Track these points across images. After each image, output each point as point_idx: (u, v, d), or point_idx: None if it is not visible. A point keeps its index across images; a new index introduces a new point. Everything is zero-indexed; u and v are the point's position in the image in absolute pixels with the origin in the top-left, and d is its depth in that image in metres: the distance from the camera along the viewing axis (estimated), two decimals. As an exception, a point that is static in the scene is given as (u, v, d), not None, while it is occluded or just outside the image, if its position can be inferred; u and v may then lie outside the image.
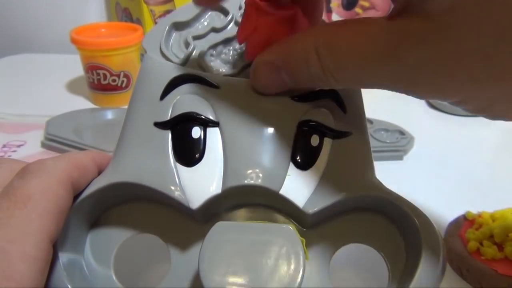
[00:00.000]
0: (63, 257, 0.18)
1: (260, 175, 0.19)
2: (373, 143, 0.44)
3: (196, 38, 0.24)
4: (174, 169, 0.20)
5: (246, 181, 0.19)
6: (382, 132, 0.47)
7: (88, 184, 0.20)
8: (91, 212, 0.20)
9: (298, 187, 0.20)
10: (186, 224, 0.21)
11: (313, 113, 0.21)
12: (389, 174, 0.41)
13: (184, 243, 0.21)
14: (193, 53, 0.23)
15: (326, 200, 0.19)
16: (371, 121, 0.48)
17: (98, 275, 0.20)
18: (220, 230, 0.18)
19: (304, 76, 0.20)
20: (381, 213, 0.21)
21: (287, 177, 0.20)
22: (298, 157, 0.20)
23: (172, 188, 0.19)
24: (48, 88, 0.60)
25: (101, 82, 0.53)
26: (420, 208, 0.20)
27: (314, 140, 0.21)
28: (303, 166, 0.20)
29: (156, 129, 0.21)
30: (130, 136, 0.21)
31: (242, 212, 0.21)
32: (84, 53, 0.52)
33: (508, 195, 0.38)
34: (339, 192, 0.20)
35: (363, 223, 0.21)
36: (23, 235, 0.16)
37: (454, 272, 0.30)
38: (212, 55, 0.23)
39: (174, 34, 0.24)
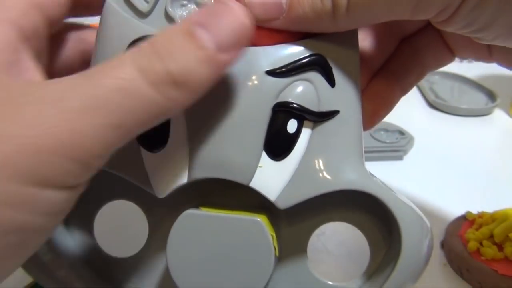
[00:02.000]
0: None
1: (228, 166, 0.18)
2: (373, 143, 0.44)
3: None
4: (140, 154, 0.18)
5: (212, 173, 0.18)
6: (382, 132, 0.46)
7: None
8: None
9: (270, 179, 0.18)
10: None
11: (292, 89, 0.18)
12: (389, 174, 0.41)
13: (159, 216, 0.21)
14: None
15: (300, 195, 0.18)
16: (371, 121, 0.48)
17: (81, 241, 0.21)
18: (187, 220, 0.18)
19: (308, 2, 0.17)
20: (368, 203, 0.20)
21: (258, 168, 0.18)
22: (272, 146, 0.18)
23: (138, 175, 0.18)
24: None
25: None
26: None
27: (291, 126, 0.18)
28: (277, 155, 0.18)
29: None
30: None
31: (218, 197, 0.20)
32: None
33: (508, 195, 0.38)
34: (315, 185, 0.18)
35: (344, 211, 0.20)
36: None
37: (454, 272, 0.30)
38: None
39: None
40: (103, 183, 0.21)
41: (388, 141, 0.45)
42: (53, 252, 0.19)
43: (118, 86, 0.13)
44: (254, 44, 0.18)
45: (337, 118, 0.18)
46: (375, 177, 0.19)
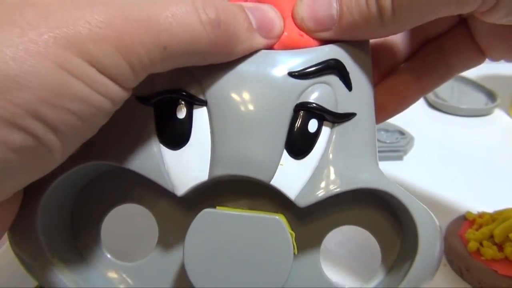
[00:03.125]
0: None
1: (250, 164, 0.18)
2: (373, 143, 0.44)
3: None
4: (159, 151, 0.18)
5: (234, 171, 0.18)
6: (382, 132, 0.47)
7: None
8: (72, 190, 0.20)
9: (291, 177, 0.18)
10: (174, 199, 0.19)
11: (312, 91, 0.18)
12: (389, 174, 0.41)
13: (170, 217, 0.20)
14: None
15: (320, 193, 0.18)
16: (371, 121, 0.48)
17: (90, 253, 0.20)
18: (205, 219, 0.18)
19: (359, 8, 0.18)
20: (379, 202, 0.20)
21: (279, 166, 0.18)
22: (293, 144, 0.18)
23: (157, 172, 0.18)
24: None
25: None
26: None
27: (312, 126, 0.18)
28: (298, 154, 0.18)
29: (138, 104, 0.19)
30: None
31: (233, 197, 0.20)
32: None
33: (508, 195, 0.38)
34: (334, 184, 0.18)
35: (359, 211, 0.20)
36: None
37: (454, 272, 0.30)
38: None
39: None
40: (111, 187, 0.21)
41: (388, 141, 0.45)
42: (59, 257, 0.19)
43: (173, 14, 0.15)
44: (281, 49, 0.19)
45: (354, 120, 0.19)
46: None
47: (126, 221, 0.25)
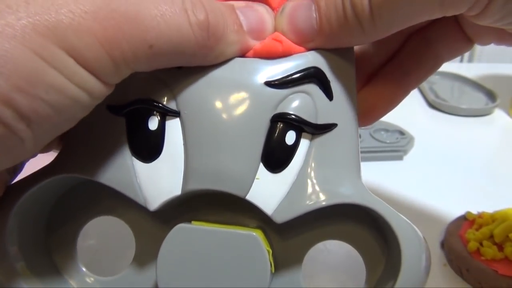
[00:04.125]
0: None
1: (224, 177, 0.17)
2: (373, 143, 0.44)
3: None
4: (131, 164, 0.18)
5: (207, 185, 0.17)
6: (382, 132, 0.47)
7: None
8: (45, 202, 0.20)
9: (267, 191, 0.17)
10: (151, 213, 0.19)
11: (291, 101, 0.18)
12: (389, 174, 0.41)
13: (147, 231, 0.20)
14: None
15: (297, 208, 0.17)
16: (371, 121, 0.48)
17: (63, 263, 0.20)
18: (179, 234, 0.17)
19: (337, 17, 0.17)
20: (364, 218, 0.19)
21: (255, 180, 0.17)
22: (270, 157, 0.17)
23: (128, 186, 0.18)
24: None
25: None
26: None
27: (290, 138, 0.18)
28: (274, 167, 0.17)
29: (109, 115, 0.18)
30: (83, 119, 0.19)
31: (212, 211, 0.19)
32: None
33: (508, 195, 0.38)
34: (312, 199, 0.17)
35: (342, 226, 0.19)
36: None
37: (454, 272, 0.30)
38: None
39: None
40: (88, 199, 0.20)
41: (388, 141, 0.45)
42: (31, 268, 0.19)
43: (162, 13, 0.15)
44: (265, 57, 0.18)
45: (334, 131, 0.18)
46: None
47: (107, 234, 0.25)
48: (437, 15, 0.17)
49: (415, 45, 0.24)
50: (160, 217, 0.19)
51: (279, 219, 0.17)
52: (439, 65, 0.24)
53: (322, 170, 0.18)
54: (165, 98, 0.18)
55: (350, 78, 0.19)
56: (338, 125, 0.18)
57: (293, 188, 0.17)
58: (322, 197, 0.17)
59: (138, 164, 0.18)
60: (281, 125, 0.17)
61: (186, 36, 0.15)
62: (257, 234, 0.17)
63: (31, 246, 0.19)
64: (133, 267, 0.20)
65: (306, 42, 0.18)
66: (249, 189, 0.17)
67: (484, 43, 0.23)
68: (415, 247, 0.17)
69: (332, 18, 0.17)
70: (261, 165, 0.17)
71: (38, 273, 0.19)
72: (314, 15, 0.18)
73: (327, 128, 0.18)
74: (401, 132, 0.46)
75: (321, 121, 0.18)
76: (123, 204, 0.19)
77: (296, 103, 0.18)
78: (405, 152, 0.44)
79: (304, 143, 0.18)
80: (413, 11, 0.17)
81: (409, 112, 0.55)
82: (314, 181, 0.17)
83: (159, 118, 0.18)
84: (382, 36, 0.18)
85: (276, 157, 0.17)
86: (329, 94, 0.18)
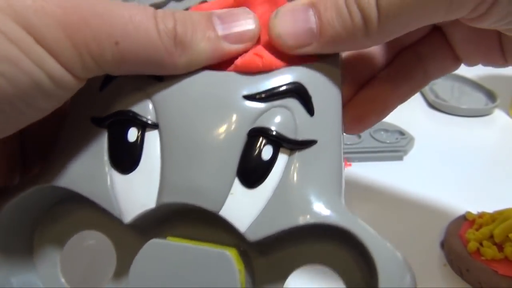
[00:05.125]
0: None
1: (198, 192, 0.17)
2: (373, 143, 0.44)
3: (155, 7, 0.20)
4: (108, 175, 0.18)
5: (181, 199, 0.17)
6: (382, 132, 0.47)
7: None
8: (29, 213, 0.20)
9: (242, 208, 0.17)
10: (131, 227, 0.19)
11: (269, 115, 0.17)
12: (389, 174, 0.41)
13: (127, 244, 0.20)
14: None
15: (271, 227, 0.17)
16: (371, 121, 0.48)
17: (46, 277, 0.20)
18: (152, 249, 0.17)
19: (342, 20, 0.17)
20: (340, 238, 0.18)
21: (229, 195, 0.17)
22: (245, 173, 0.17)
23: (104, 197, 0.17)
24: None
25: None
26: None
27: (266, 153, 0.17)
28: (250, 183, 0.17)
29: (92, 126, 0.18)
30: (68, 130, 0.19)
31: (187, 227, 0.19)
32: None
33: (508, 195, 0.38)
34: (288, 217, 0.17)
35: (321, 247, 0.19)
36: None
37: (454, 272, 0.30)
38: None
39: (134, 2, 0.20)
40: (71, 213, 0.20)
41: (388, 141, 0.45)
42: (15, 279, 0.19)
43: (131, 15, 0.15)
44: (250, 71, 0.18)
45: (314, 147, 0.17)
46: (354, 214, 0.18)
47: (92, 248, 0.25)
48: (441, 18, 0.17)
49: (405, 60, 0.24)
50: (140, 230, 0.19)
51: (252, 237, 0.17)
52: (427, 82, 0.24)
53: (299, 187, 0.17)
54: (146, 110, 0.18)
55: (335, 92, 0.18)
56: (319, 142, 0.18)
57: (268, 205, 0.17)
58: (297, 216, 0.17)
59: (116, 176, 0.18)
60: (258, 140, 0.17)
61: (153, 41, 0.16)
62: (229, 253, 0.17)
63: (13, 258, 0.19)
64: (113, 280, 0.20)
65: (303, 46, 0.18)
66: (223, 205, 0.17)
67: (472, 63, 0.24)
68: (394, 271, 0.17)
69: (335, 21, 0.17)
70: (237, 180, 0.17)
71: (20, 283, 0.19)
72: (313, 18, 0.17)
73: (307, 144, 0.17)
74: (401, 132, 0.46)
75: (300, 137, 0.17)
76: (105, 217, 0.19)
77: (275, 117, 0.17)
78: (405, 152, 0.44)
79: (281, 159, 0.17)
80: (420, 15, 0.17)
81: (409, 112, 0.55)
82: (291, 198, 0.17)
83: (139, 130, 0.18)
84: (384, 41, 0.18)
85: (251, 172, 0.17)
86: (310, 110, 0.18)
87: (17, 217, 0.19)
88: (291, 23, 0.17)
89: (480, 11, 0.17)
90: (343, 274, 0.19)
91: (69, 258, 0.21)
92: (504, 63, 0.23)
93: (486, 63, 0.23)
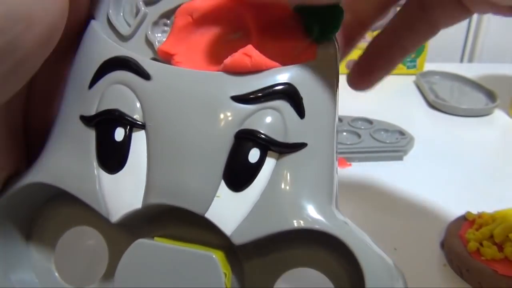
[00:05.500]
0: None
1: (184, 193, 0.17)
2: (373, 143, 0.44)
3: (148, 3, 0.19)
4: (96, 175, 0.18)
5: (167, 200, 0.17)
6: (382, 132, 0.47)
7: None
8: (22, 210, 0.20)
9: (228, 210, 0.17)
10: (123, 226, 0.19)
11: (257, 117, 0.17)
12: (389, 174, 0.41)
13: (118, 242, 0.20)
14: (143, 23, 0.19)
15: (257, 230, 0.17)
16: (371, 122, 0.48)
17: (42, 274, 0.20)
18: (138, 250, 0.17)
19: None
20: (329, 243, 0.18)
21: (215, 198, 0.17)
22: (232, 175, 0.17)
23: (91, 196, 0.17)
24: None
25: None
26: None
27: (253, 156, 0.17)
28: (236, 186, 0.17)
29: (81, 125, 0.18)
30: (56, 128, 0.19)
31: (176, 227, 0.19)
32: None
33: (508, 195, 0.38)
34: (274, 222, 0.17)
35: (310, 251, 0.18)
36: None
37: (454, 272, 0.30)
38: (165, 24, 0.19)
39: None
40: (63, 210, 0.20)
41: (388, 141, 0.45)
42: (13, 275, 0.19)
43: None
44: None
45: (304, 151, 0.17)
46: (346, 219, 0.18)
47: (88, 246, 0.25)
48: None
49: (409, 10, 0.23)
50: (130, 229, 0.19)
51: (238, 240, 0.17)
52: (435, 32, 0.24)
53: (287, 191, 0.17)
54: (133, 110, 0.17)
55: (329, 95, 0.18)
56: (309, 145, 0.17)
57: (254, 209, 0.17)
58: (284, 220, 0.17)
59: (104, 175, 0.18)
60: (245, 142, 0.17)
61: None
62: (215, 256, 0.17)
63: (8, 254, 0.19)
64: (104, 278, 0.20)
65: None
66: (209, 207, 0.17)
67: (481, 12, 0.22)
68: (383, 278, 0.16)
69: None
70: (223, 182, 0.17)
71: (16, 281, 0.19)
72: None
73: (296, 147, 0.17)
74: (401, 132, 0.46)
75: (290, 139, 0.17)
76: (96, 215, 0.19)
77: (263, 119, 0.17)
78: (405, 152, 0.44)
79: (269, 162, 0.17)
80: None
81: (409, 112, 0.55)
82: (278, 202, 0.17)
83: (126, 129, 0.17)
84: None
85: (238, 175, 0.17)
86: (300, 112, 0.17)
87: (11, 214, 0.19)
88: None
89: None
90: (333, 278, 0.18)
91: (64, 255, 0.21)
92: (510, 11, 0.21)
93: (495, 12, 0.22)
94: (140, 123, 0.17)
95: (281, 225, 0.17)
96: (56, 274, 0.20)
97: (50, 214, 0.20)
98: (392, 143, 0.45)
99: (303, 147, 0.17)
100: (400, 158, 0.44)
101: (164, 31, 0.19)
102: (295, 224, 0.17)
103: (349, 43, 0.23)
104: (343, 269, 0.18)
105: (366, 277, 0.16)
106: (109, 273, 0.20)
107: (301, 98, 0.17)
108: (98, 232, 0.20)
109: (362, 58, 0.23)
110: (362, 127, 0.47)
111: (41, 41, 0.16)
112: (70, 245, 0.21)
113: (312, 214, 0.17)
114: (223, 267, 0.17)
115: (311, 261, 0.19)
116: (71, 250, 0.22)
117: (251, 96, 0.17)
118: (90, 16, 0.19)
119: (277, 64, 0.18)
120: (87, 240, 0.23)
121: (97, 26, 0.19)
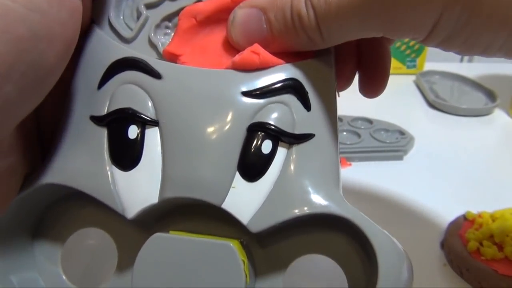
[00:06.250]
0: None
1: (200, 186, 0.17)
2: (373, 143, 0.44)
3: (149, 6, 0.20)
4: (109, 173, 0.18)
5: (184, 193, 0.17)
6: (382, 132, 0.47)
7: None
8: (30, 211, 0.20)
9: (243, 200, 0.17)
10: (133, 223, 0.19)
11: (268, 111, 0.18)
12: (389, 174, 0.41)
13: (129, 240, 0.20)
14: (145, 26, 0.20)
15: (273, 218, 0.17)
16: (371, 121, 0.48)
17: (47, 274, 0.20)
18: (156, 243, 0.17)
19: (286, 29, 0.18)
20: (340, 229, 0.19)
21: (231, 189, 0.17)
22: (246, 166, 0.18)
23: (106, 194, 0.18)
24: None
25: None
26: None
27: (266, 147, 0.18)
28: (251, 176, 0.18)
29: (92, 124, 0.18)
30: (66, 129, 0.19)
31: (189, 221, 0.19)
32: None
33: (508, 195, 0.38)
34: (289, 208, 0.17)
35: (321, 237, 0.19)
36: None
37: (454, 272, 0.30)
38: (167, 27, 0.20)
39: (129, 1, 0.20)
40: (71, 212, 0.20)
41: (388, 141, 0.45)
42: (15, 276, 0.19)
43: None
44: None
45: (312, 141, 0.18)
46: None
47: (92, 245, 0.25)
48: (386, 35, 0.18)
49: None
50: (142, 226, 0.19)
51: (255, 228, 0.17)
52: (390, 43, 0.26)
53: (299, 179, 0.18)
54: (145, 108, 0.18)
55: (330, 87, 0.19)
56: (316, 135, 0.18)
57: (269, 198, 0.17)
58: (297, 207, 0.17)
59: (117, 173, 0.18)
60: (258, 134, 0.18)
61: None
62: (233, 244, 0.17)
63: (14, 255, 0.19)
64: (115, 276, 0.20)
65: (255, 40, 0.19)
66: (225, 198, 0.17)
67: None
68: (393, 259, 0.17)
69: (282, 30, 0.18)
70: (238, 174, 0.18)
71: (20, 282, 0.19)
72: (265, 26, 0.18)
73: (305, 138, 0.18)
74: (401, 132, 0.46)
75: (298, 131, 0.18)
76: (105, 214, 0.19)
77: (273, 113, 0.18)
78: (405, 152, 0.44)
79: (281, 152, 0.18)
80: (357, 29, 0.17)
81: (409, 112, 0.55)
82: (290, 190, 0.18)
83: (139, 127, 0.18)
84: (332, 45, 0.19)
85: (252, 166, 0.18)
86: (306, 105, 0.18)
87: (18, 215, 0.19)
88: (246, 32, 0.19)
89: (420, 37, 0.17)
90: (343, 264, 0.19)
91: (70, 256, 0.21)
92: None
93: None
94: (153, 120, 0.18)
95: (296, 211, 0.17)
96: (64, 277, 0.20)
97: (56, 216, 0.20)
98: (392, 143, 0.45)
99: (311, 138, 0.18)
100: (400, 158, 0.44)
101: (166, 34, 0.20)
102: (309, 210, 0.17)
103: (347, 82, 0.26)
104: (353, 253, 0.19)
105: (378, 256, 0.17)
106: (119, 273, 0.20)
107: (307, 92, 0.19)
108: (106, 233, 0.20)
109: (360, 70, 0.25)
110: (362, 127, 0.47)
111: (61, 56, 0.16)
112: (76, 246, 0.21)
113: (324, 200, 0.18)
114: (241, 255, 0.17)
115: (321, 247, 0.19)
116: (77, 251, 0.22)
117: (261, 91, 0.18)
118: (91, 20, 0.20)
119: (282, 61, 0.19)
120: (92, 241, 0.23)
121: (99, 30, 0.19)
